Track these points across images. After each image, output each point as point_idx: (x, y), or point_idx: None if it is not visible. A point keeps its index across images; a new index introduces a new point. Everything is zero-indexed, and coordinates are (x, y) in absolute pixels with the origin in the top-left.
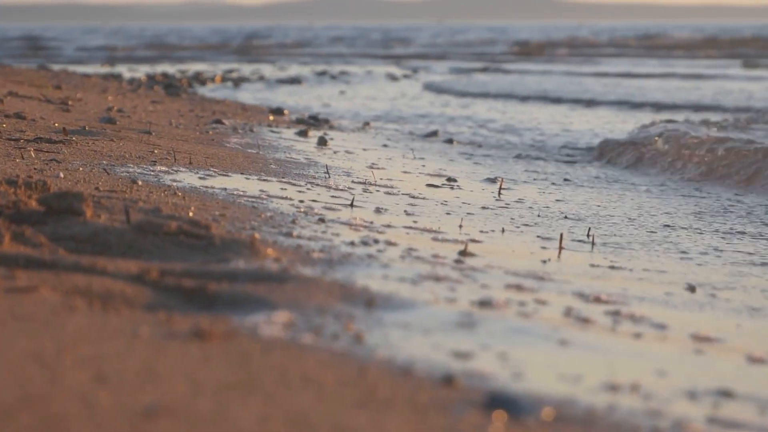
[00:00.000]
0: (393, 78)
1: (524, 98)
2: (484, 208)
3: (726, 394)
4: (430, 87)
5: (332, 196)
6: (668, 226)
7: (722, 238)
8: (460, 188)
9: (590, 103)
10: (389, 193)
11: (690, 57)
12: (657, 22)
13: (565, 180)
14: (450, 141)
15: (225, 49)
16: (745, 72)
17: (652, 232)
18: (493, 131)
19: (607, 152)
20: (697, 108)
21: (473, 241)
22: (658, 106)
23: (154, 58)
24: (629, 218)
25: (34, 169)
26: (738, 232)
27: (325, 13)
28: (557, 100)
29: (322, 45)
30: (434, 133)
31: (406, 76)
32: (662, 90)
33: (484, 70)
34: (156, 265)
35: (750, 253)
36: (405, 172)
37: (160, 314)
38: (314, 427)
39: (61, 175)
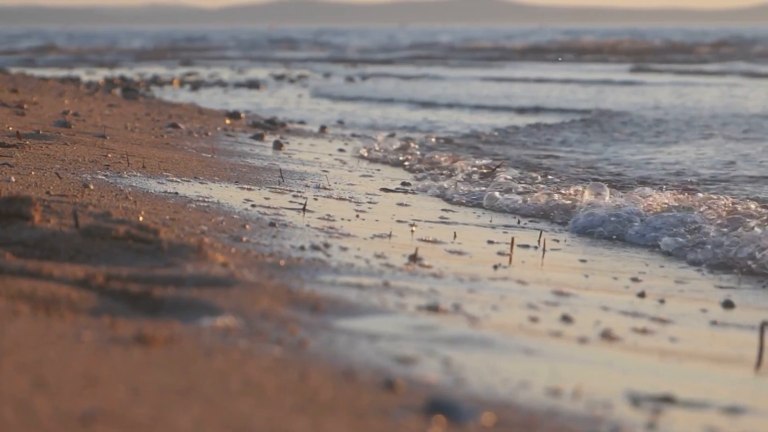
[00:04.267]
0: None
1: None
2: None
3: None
4: (315, 93)
5: (285, 201)
6: None
7: None
8: (414, 193)
9: (428, 104)
10: (341, 198)
11: (592, 62)
12: (629, 25)
13: None
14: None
15: (145, 53)
16: (626, 76)
17: None
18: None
19: None
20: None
21: (430, 241)
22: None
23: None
24: None
25: None
26: None
27: (285, 17)
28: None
29: (229, 48)
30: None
31: (290, 81)
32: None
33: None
34: (102, 269)
35: None
36: (363, 176)
37: (105, 319)
38: None
39: (13, 179)
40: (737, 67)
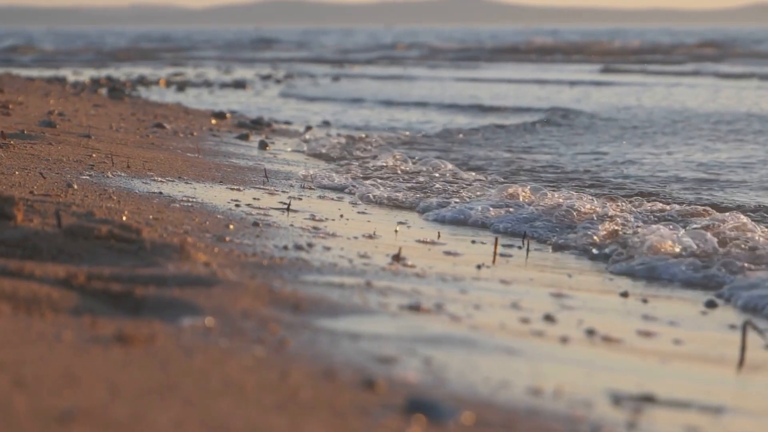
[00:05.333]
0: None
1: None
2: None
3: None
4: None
5: (269, 200)
6: None
7: None
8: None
9: (389, 103)
10: (323, 198)
11: (564, 62)
12: (618, 26)
13: None
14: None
15: (103, 54)
16: (595, 77)
17: None
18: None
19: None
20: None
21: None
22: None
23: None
24: None
25: None
26: None
27: (272, 17)
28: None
29: (203, 48)
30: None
31: (277, 81)
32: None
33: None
34: (84, 269)
35: None
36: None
37: (85, 319)
38: (230, 431)
39: None
40: (709, 68)
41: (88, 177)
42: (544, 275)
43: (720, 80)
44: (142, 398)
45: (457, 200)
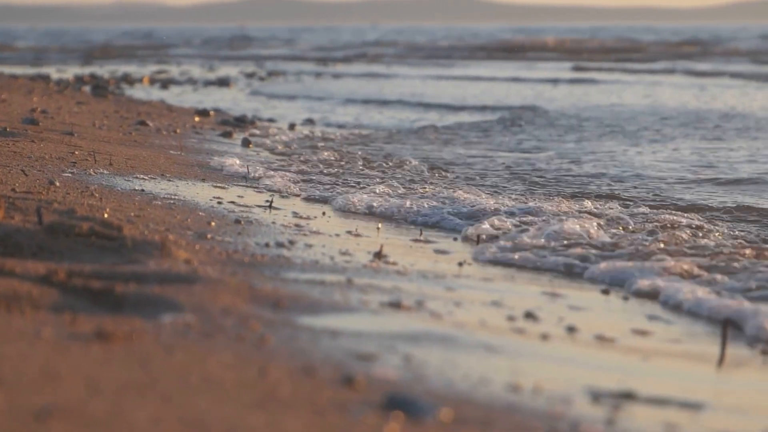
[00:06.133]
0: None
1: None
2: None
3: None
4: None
5: (252, 198)
6: None
7: None
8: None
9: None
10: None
11: (539, 60)
12: (604, 23)
13: None
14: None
15: (76, 53)
16: (568, 74)
17: None
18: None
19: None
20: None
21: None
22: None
23: None
24: None
25: None
26: None
27: (257, 15)
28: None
29: (180, 46)
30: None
31: (260, 78)
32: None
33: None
34: (64, 266)
35: None
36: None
37: (65, 316)
38: (208, 428)
39: None
40: (682, 66)
41: (70, 174)
42: (523, 274)
43: (692, 78)
44: (120, 395)
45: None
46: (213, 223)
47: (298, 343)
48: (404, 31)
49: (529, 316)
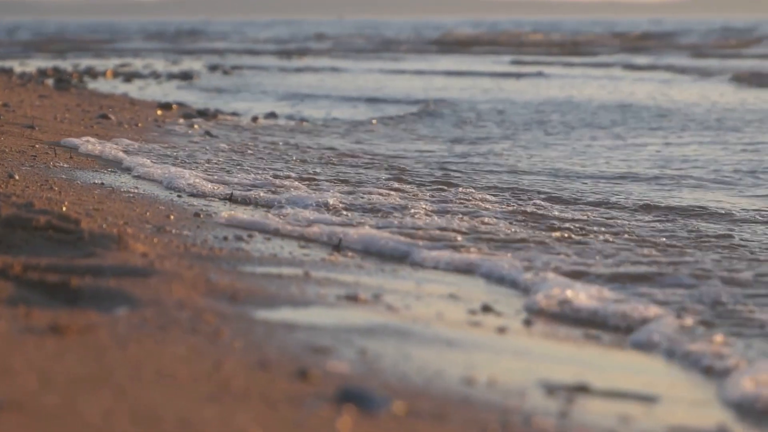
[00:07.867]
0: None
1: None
2: None
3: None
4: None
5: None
6: None
7: None
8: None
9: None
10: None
11: (478, 54)
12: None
13: None
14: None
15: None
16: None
17: None
18: None
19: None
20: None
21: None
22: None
23: None
24: None
25: None
26: None
27: (225, 9)
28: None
29: (123, 41)
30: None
31: (224, 72)
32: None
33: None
34: (20, 259)
35: None
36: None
37: (20, 309)
38: (160, 421)
39: None
40: (621, 60)
41: (30, 167)
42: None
43: (626, 72)
44: (73, 388)
45: None
46: (172, 217)
47: (253, 336)
48: (370, 24)
49: (487, 309)
